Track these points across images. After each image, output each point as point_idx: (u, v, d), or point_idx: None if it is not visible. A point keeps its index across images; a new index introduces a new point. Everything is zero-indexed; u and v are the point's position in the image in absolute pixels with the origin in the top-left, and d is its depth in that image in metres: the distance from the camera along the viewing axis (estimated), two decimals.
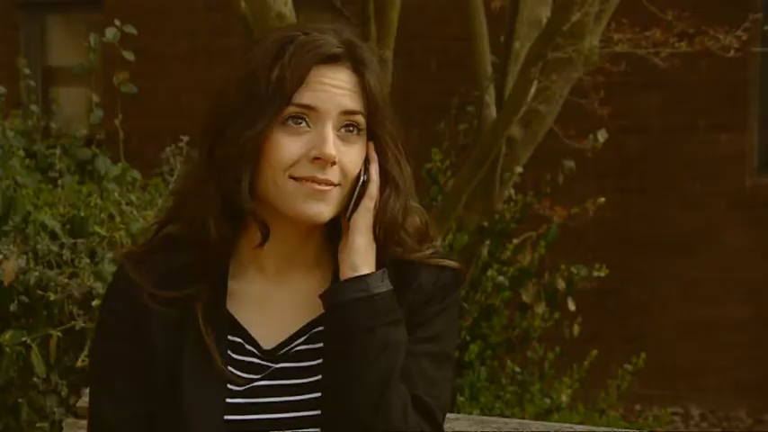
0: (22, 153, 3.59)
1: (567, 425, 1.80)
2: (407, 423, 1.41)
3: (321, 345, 1.46)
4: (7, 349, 2.66)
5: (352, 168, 1.44)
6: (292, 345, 1.48)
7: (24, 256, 2.74)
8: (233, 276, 1.49)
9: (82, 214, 2.87)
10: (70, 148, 4.31)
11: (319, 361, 1.45)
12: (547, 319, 4.04)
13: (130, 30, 3.18)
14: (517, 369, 4.10)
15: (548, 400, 4.03)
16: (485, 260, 3.99)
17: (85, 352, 2.74)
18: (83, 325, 2.72)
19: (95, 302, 2.71)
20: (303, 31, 1.46)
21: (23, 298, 2.74)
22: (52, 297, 2.70)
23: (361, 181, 1.46)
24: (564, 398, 4.02)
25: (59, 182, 3.36)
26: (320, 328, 1.47)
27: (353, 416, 1.40)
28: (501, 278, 3.94)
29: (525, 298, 3.97)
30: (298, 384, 1.45)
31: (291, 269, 1.49)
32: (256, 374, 1.46)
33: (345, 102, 1.43)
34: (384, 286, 1.43)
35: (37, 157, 4.01)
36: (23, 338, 2.69)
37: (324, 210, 1.43)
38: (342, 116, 1.44)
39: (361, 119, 1.45)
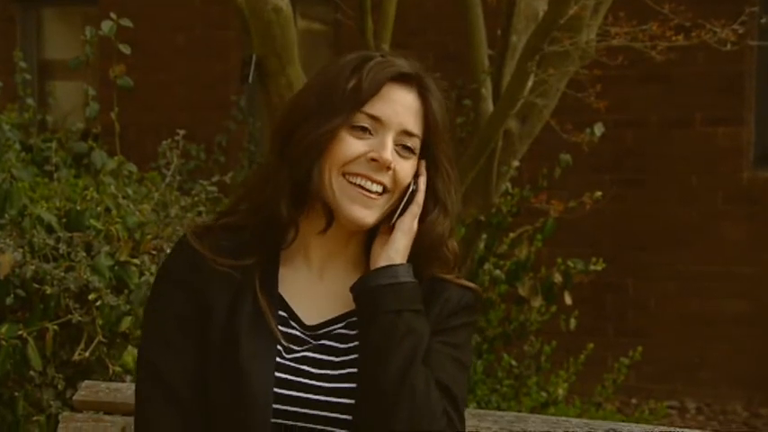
0: (18, 146, 3.59)
1: (564, 418, 1.81)
2: (431, 398, 1.54)
3: (356, 331, 1.60)
4: (3, 342, 2.66)
5: (404, 178, 1.61)
6: (331, 327, 1.62)
7: (20, 250, 2.73)
8: (282, 264, 1.64)
9: (78, 208, 2.86)
10: (66, 142, 4.31)
11: (356, 344, 1.59)
12: (543, 313, 4.05)
13: (126, 23, 3.17)
14: (514, 362, 4.11)
15: (544, 394, 4.04)
16: (481, 254, 3.99)
17: (81, 345, 2.74)
18: (79, 318, 2.72)
19: (91, 296, 2.71)
20: (381, 54, 1.65)
21: (20, 291, 2.74)
22: (48, 290, 2.70)
23: (410, 189, 1.62)
24: (560, 391, 4.03)
25: (55, 175, 3.35)
26: (356, 318, 1.61)
27: (379, 389, 1.53)
28: (498, 272, 3.95)
29: (522, 292, 3.97)
30: (337, 360, 1.59)
31: (333, 265, 1.65)
32: (298, 346, 1.60)
33: (408, 122, 1.61)
34: (410, 277, 1.59)
35: (33, 151, 4.01)
36: (20, 332, 2.68)
37: (368, 215, 1.59)
38: (401, 134, 1.60)
39: (417, 141, 1.62)
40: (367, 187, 1.58)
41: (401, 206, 1.61)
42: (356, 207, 1.58)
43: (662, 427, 1.79)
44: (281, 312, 1.61)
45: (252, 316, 1.57)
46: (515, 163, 3.96)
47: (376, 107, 1.59)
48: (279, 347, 1.57)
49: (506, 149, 3.92)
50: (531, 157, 4.20)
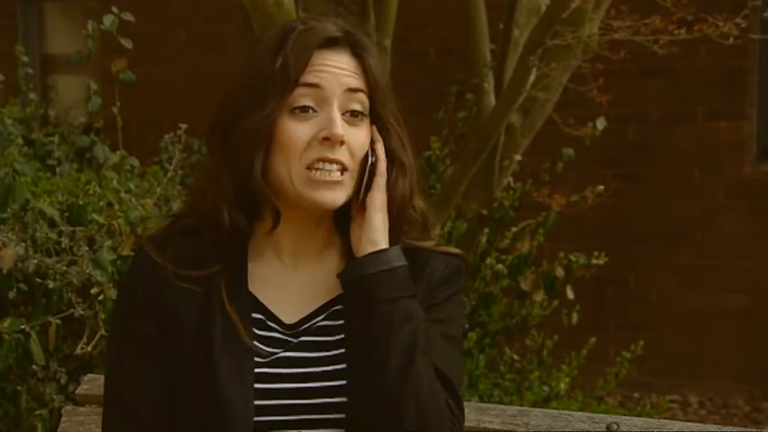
0: (20, 141, 3.59)
1: (566, 412, 1.81)
2: (434, 391, 1.46)
3: (341, 322, 1.51)
4: (6, 337, 2.66)
5: (359, 149, 1.51)
6: (313, 321, 1.53)
7: (23, 244, 2.73)
8: (251, 259, 1.55)
9: (80, 202, 2.86)
10: (68, 136, 4.32)
11: (341, 336, 1.50)
12: (545, 307, 4.04)
13: (128, 17, 3.16)
14: (516, 357, 4.11)
15: (546, 388, 4.04)
16: (483, 248, 3.99)
17: (84, 340, 2.74)
18: (82, 312, 2.72)
19: (94, 290, 2.71)
20: (302, 21, 1.53)
21: (22, 285, 2.74)
22: (51, 285, 2.70)
23: (369, 162, 1.52)
24: (562, 385, 4.03)
25: (58, 170, 3.35)
26: (339, 307, 1.52)
27: (382, 387, 1.44)
28: (500, 266, 3.94)
29: (524, 286, 3.97)
30: (321, 357, 1.50)
31: (306, 252, 1.55)
32: (280, 348, 1.51)
33: (349, 81, 1.50)
34: (402, 261, 1.50)
35: (35, 145, 4.00)
36: (22, 326, 2.68)
37: (337, 198, 1.49)
38: (346, 94, 1.50)
39: (364, 98, 1.51)
40: (327, 169, 1.47)
41: (365, 181, 1.51)
42: (322, 192, 1.48)
43: (663, 421, 1.79)
44: (256, 315, 1.51)
45: (223, 328, 1.48)
46: (517, 157, 3.95)
47: (311, 76, 1.48)
48: (256, 358, 1.48)
49: (508, 144, 3.92)
50: (533, 151, 4.20)
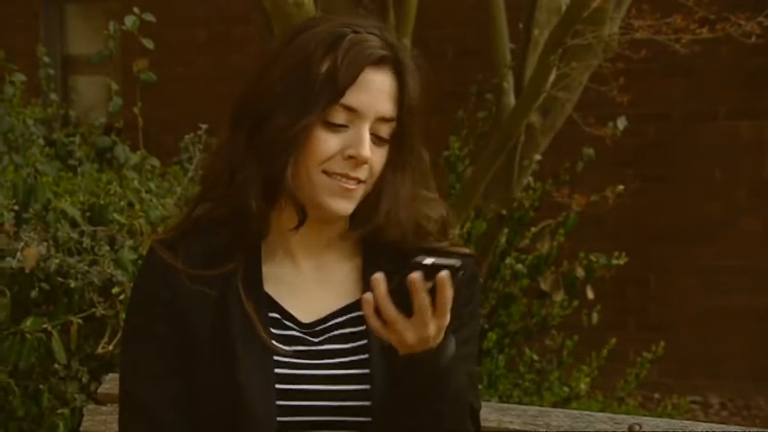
0: (41, 141, 3.61)
1: (587, 412, 1.80)
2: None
3: (362, 328, 1.50)
4: (28, 336, 2.68)
5: (378, 167, 1.52)
6: (330, 322, 1.53)
7: (45, 244, 2.75)
8: (264, 259, 1.53)
9: (102, 202, 2.88)
10: (89, 137, 4.34)
11: (362, 342, 1.50)
12: (565, 308, 4.03)
13: (149, 18, 3.18)
14: (535, 357, 4.10)
15: (566, 389, 4.03)
16: (503, 248, 3.98)
17: (105, 339, 2.76)
18: (103, 312, 2.74)
19: (115, 290, 2.72)
20: (352, 28, 1.51)
21: (44, 285, 2.75)
22: (72, 284, 2.71)
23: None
24: (582, 386, 4.02)
25: (79, 170, 3.37)
26: (359, 313, 1.48)
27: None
28: (519, 266, 3.94)
29: (544, 286, 3.96)
30: (341, 362, 1.50)
31: (319, 252, 1.55)
32: (297, 347, 1.50)
33: (384, 108, 1.50)
34: (453, 344, 1.45)
35: (56, 146, 4.03)
36: (44, 325, 2.70)
37: (349, 206, 1.51)
38: (377, 122, 1.50)
39: (392, 125, 1.52)
40: (344, 182, 1.49)
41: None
42: (338, 200, 1.49)
43: (686, 422, 1.78)
44: (272, 314, 1.50)
45: (242, 327, 1.47)
46: (537, 157, 3.95)
47: (353, 97, 1.48)
48: (276, 357, 1.47)
49: (528, 143, 3.91)
50: (553, 151, 4.19)
